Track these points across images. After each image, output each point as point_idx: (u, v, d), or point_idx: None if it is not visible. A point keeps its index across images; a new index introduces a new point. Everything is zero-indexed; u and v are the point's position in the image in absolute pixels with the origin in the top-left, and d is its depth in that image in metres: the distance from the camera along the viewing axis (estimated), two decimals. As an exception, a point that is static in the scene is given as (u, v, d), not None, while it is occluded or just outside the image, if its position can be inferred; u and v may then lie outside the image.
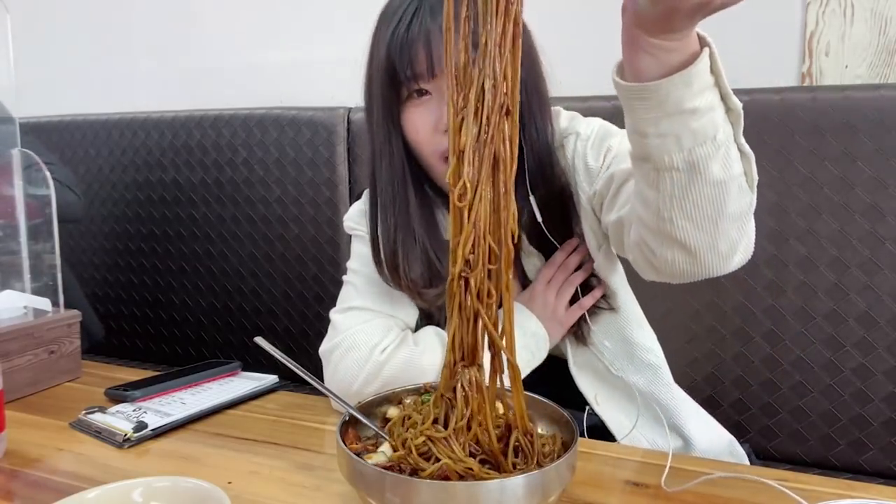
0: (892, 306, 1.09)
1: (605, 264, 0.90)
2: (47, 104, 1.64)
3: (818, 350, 1.13)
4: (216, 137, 1.59)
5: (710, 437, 0.95)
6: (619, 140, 0.85)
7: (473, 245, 0.54)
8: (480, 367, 0.57)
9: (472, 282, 0.54)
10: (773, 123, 1.13)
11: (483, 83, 0.52)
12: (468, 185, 0.53)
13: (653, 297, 1.22)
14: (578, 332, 0.92)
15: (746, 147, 0.61)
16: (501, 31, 0.52)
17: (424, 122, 0.81)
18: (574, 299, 0.91)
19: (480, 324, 0.56)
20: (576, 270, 0.91)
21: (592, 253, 0.89)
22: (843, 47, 1.22)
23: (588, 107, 1.23)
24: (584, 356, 0.92)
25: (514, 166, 0.54)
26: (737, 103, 0.59)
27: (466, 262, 0.54)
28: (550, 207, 0.86)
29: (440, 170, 0.84)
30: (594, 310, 0.92)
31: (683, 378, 1.21)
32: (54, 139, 1.80)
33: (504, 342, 0.56)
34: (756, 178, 0.63)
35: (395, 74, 0.80)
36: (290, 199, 1.52)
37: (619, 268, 0.93)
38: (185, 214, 1.65)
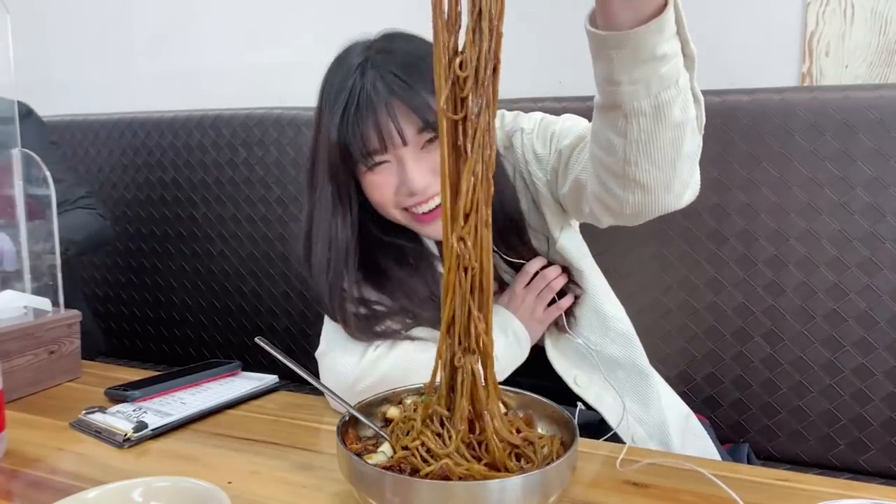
0: (892, 306, 1.09)
1: (568, 244, 0.93)
2: (47, 104, 1.64)
3: (818, 350, 1.13)
4: (216, 137, 1.59)
5: (677, 410, 0.99)
6: (560, 125, 0.90)
7: (473, 194, 0.54)
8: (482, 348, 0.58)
9: (468, 243, 0.55)
10: (773, 123, 1.13)
11: (480, 22, 0.53)
12: (471, 117, 0.54)
13: (652, 297, 1.22)
14: (557, 322, 0.95)
15: (699, 91, 0.67)
16: None
17: (388, 186, 0.84)
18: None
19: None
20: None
21: (555, 235, 0.92)
22: (843, 47, 1.22)
23: (588, 106, 1.22)
24: (560, 341, 0.95)
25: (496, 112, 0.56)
26: (693, 50, 0.64)
27: (466, 216, 0.55)
28: (502, 214, 0.88)
29: (403, 220, 0.87)
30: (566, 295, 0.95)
31: (684, 378, 1.21)
32: (54, 139, 1.80)
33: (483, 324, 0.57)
34: (704, 120, 0.70)
35: (349, 154, 0.83)
36: (289, 198, 1.52)
37: (583, 246, 0.96)
38: (185, 214, 1.65)
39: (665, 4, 0.60)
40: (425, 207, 0.84)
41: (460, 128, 0.55)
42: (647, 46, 0.60)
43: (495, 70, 0.54)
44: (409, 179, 0.82)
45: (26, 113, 1.51)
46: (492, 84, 0.54)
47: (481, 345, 0.57)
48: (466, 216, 0.55)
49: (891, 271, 1.08)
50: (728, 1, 1.27)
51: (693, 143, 0.69)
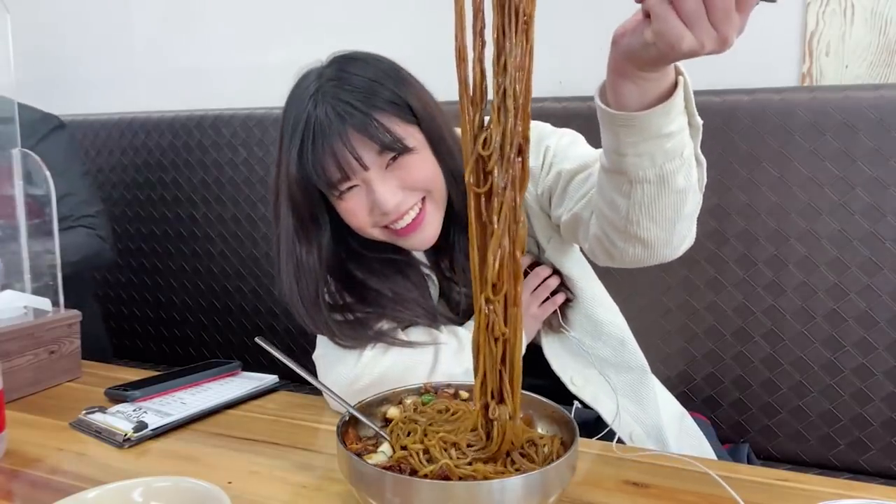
0: (892, 306, 1.09)
1: (556, 254, 0.93)
2: (47, 104, 1.63)
3: (818, 350, 1.13)
4: (216, 137, 1.59)
5: (672, 410, 1.00)
6: (556, 141, 0.90)
7: (501, 268, 0.55)
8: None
9: (496, 307, 0.55)
10: (773, 123, 1.13)
11: (504, 101, 0.53)
12: (497, 192, 0.54)
13: (653, 298, 1.22)
14: (550, 321, 0.96)
15: (701, 156, 0.70)
16: (521, 52, 0.53)
17: (362, 208, 0.84)
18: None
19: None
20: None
21: (543, 245, 0.93)
22: (843, 47, 1.22)
23: (588, 106, 1.22)
24: (556, 341, 0.96)
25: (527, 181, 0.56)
26: (698, 120, 0.66)
27: (493, 286, 0.55)
28: None
29: (384, 237, 0.87)
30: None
31: (684, 378, 1.21)
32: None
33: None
34: (705, 181, 0.72)
35: (313, 188, 0.83)
36: (290, 199, 1.52)
37: (575, 253, 0.96)
38: (186, 214, 1.65)
39: (674, 85, 0.62)
40: (402, 223, 0.84)
41: (483, 200, 0.55)
42: (653, 126, 0.62)
43: (521, 150, 0.54)
44: (380, 201, 0.81)
45: (59, 125, 1.52)
46: (519, 162, 0.54)
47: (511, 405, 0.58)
48: (494, 285, 0.55)
49: (891, 271, 1.08)
50: (728, 1, 1.26)
51: (693, 203, 0.72)
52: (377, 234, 0.86)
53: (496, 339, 0.56)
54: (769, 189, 1.14)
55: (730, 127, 1.15)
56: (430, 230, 0.86)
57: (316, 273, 0.87)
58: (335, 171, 0.80)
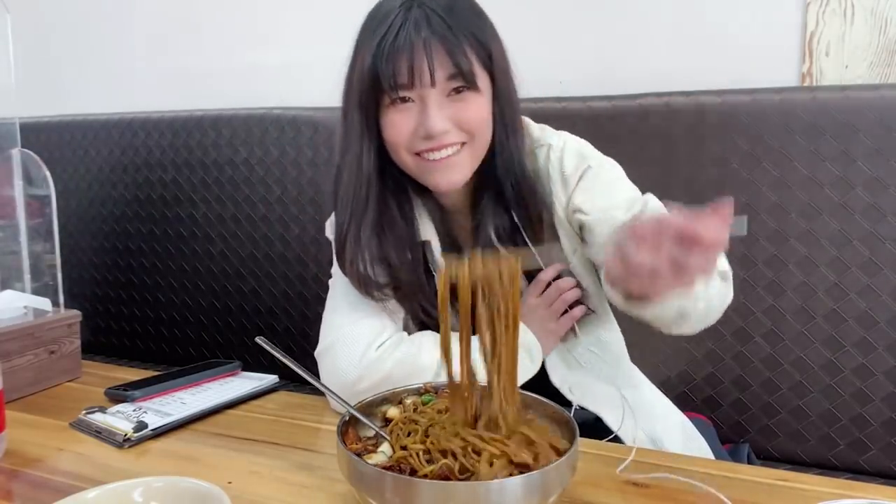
0: (892, 306, 1.08)
1: (580, 268, 0.93)
2: (47, 104, 1.63)
3: (818, 350, 1.13)
4: (216, 137, 1.59)
5: (672, 421, 1.00)
6: (598, 164, 0.89)
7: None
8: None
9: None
10: (773, 123, 1.13)
11: None
12: None
13: (653, 297, 1.22)
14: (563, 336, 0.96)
15: (726, 267, 0.77)
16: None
17: (406, 125, 0.84)
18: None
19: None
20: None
21: (568, 256, 0.92)
22: (843, 47, 1.22)
23: (588, 106, 1.22)
24: (555, 354, 0.95)
25: None
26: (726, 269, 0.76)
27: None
28: (526, 219, 0.89)
29: (412, 165, 0.87)
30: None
31: (683, 378, 1.21)
32: (54, 139, 1.80)
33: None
34: (731, 295, 0.80)
35: (378, 83, 0.82)
36: (290, 198, 1.52)
37: (593, 269, 0.95)
38: (185, 214, 1.65)
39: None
40: (437, 155, 0.84)
41: None
42: (668, 304, 0.69)
43: None
44: (429, 122, 0.81)
45: None
46: None
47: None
48: None
49: (891, 271, 1.08)
50: (728, 1, 1.26)
51: (721, 309, 0.79)
52: (408, 159, 0.86)
53: None
54: (769, 189, 1.14)
55: (730, 127, 1.15)
56: (461, 172, 0.86)
57: (370, 172, 0.87)
58: (404, 72, 0.80)
